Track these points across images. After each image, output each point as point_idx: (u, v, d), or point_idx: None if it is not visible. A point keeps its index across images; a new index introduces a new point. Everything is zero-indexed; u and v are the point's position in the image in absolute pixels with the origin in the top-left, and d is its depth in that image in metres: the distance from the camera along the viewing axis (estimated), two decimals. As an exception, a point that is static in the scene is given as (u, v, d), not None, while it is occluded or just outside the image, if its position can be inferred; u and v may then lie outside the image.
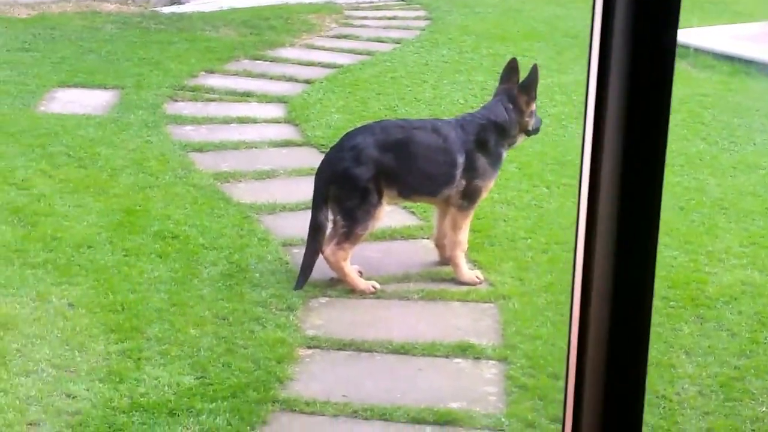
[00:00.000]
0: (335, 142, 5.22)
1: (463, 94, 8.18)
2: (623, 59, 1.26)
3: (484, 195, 5.15)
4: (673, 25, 1.24)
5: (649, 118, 1.28)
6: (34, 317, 4.41)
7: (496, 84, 8.17)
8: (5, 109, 7.24)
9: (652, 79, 1.26)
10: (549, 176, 6.42)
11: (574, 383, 1.35)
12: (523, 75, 5.17)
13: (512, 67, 5.19)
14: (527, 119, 5.15)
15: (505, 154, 5.17)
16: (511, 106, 5.10)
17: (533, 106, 5.17)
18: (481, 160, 5.01)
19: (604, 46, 1.26)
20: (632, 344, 1.33)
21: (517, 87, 5.13)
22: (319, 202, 4.92)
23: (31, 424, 3.69)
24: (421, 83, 8.45)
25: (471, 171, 4.98)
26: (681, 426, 3.87)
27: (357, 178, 4.85)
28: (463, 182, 4.97)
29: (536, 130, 5.25)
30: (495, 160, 5.07)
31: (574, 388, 1.35)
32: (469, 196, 5.01)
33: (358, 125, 6.11)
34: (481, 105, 7.78)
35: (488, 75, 8.67)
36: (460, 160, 4.96)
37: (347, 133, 5.17)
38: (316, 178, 5.01)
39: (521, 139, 5.25)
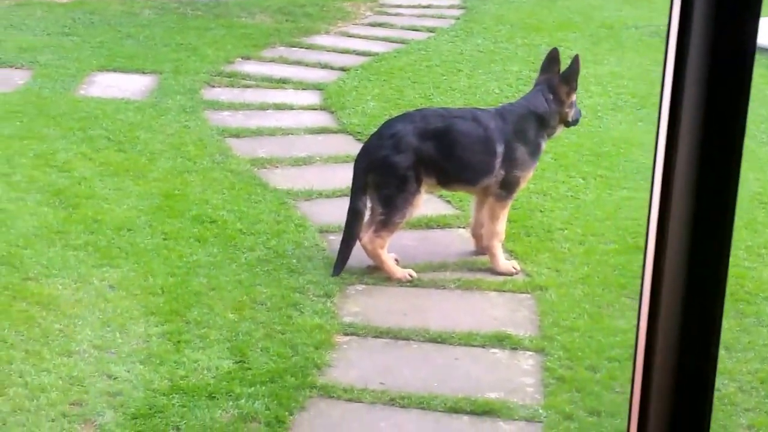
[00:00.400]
0: (374, 130, 5.21)
1: (498, 83, 8.13)
2: (701, 58, 1.23)
3: (523, 185, 5.13)
4: (753, 20, 1.21)
5: (726, 118, 1.25)
6: (75, 298, 4.43)
7: (531, 74, 8.39)
8: (46, 93, 7.27)
9: (730, 77, 1.24)
10: (585, 167, 6.37)
11: (641, 387, 1.32)
12: (556, 66, 5.13)
13: (553, 57, 5.15)
14: (567, 110, 5.11)
15: (545, 144, 5.14)
16: (551, 96, 5.07)
17: (573, 97, 5.14)
18: (521, 150, 4.98)
19: (681, 45, 1.23)
20: (702, 348, 1.31)
21: (558, 77, 5.10)
22: (357, 190, 4.91)
23: (73, 404, 3.71)
24: (455, 72, 8.41)
25: (510, 161, 4.96)
26: (722, 423, 3.83)
27: (396, 165, 4.84)
28: (502, 172, 4.95)
29: (575, 121, 5.22)
30: (534, 151, 5.04)
31: (640, 393, 1.32)
32: (508, 186, 4.99)
33: (394, 113, 6.13)
34: (520, 95, 7.78)
35: (523, 65, 8.65)
36: (500, 149, 4.94)
37: (387, 121, 5.16)
38: (355, 166, 5.00)
39: (560, 130, 5.22)
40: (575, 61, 5.10)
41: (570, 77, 5.09)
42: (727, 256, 1.31)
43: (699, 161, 1.26)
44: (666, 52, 1.26)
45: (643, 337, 1.33)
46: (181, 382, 3.87)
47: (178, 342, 4.14)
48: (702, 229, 1.28)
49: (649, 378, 1.31)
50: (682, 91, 1.26)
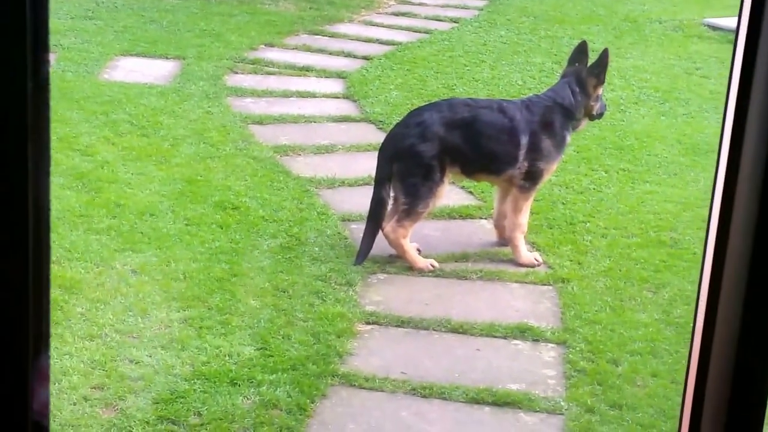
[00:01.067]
0: (397, 119, 5.20)
1: (522, 75, 8.11)
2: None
3: (547, 177, 5.10)
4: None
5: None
6: (98, 282, 4.43)
7: (554, 66, 8.37)
8: (69, 76, 7.27)
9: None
10: (607, 161, 6.35)
11: (694, 389, 1.28)
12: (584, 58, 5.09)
13: (582, 50, 5.12)
14: (593, 103, 5.08)
15: (569, 137, 5.11)
16: (578, 89, 5.04)
17: (600, 90, 5.10)
18: (546, 142, 4.95)
19: (750, 43, 1.18)
20: (761, 353, 1.26)
21: (586, 70, 5.06)
22: (382, 178, 4.89)
23: (95, 388, 3.71)
24: (479, 63, 8.39)
25: (534, 152, 4.93)
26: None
27: (422, 154, 4.82)
28: (526, 164, 4.92)
29: (600, 115, 5.19)
30: (559, 143, 5.01)
31: (693, 394, 1.28)
32: (532, 177, 4.96)
33: (417, 103, 6.13)
34: (542, 86, 7.74)
35: (546, 57, 8.63)
36: (524, 141, 4.91)
37: (413, 110, 5.14)
38: (379, 154, 4.98)
39: (585, 123, 5.19)
40: (604, 54, 5.07)
41: (598, 70, 5.05)
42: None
43: (765, 162, 1.20)
44: (734, 52, 1.21)
45: (699, 338, 1.28)
46: (203, 367, 3.86)
47: (200, 328, 4.13)
48: (765, 230, 1.22)
49: (704, 377, 1.26)
50: (748, 94, 1.20)
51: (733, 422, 1.26)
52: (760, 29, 1.16)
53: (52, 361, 3.82)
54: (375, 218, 4.86)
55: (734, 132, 1.20)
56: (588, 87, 5.04)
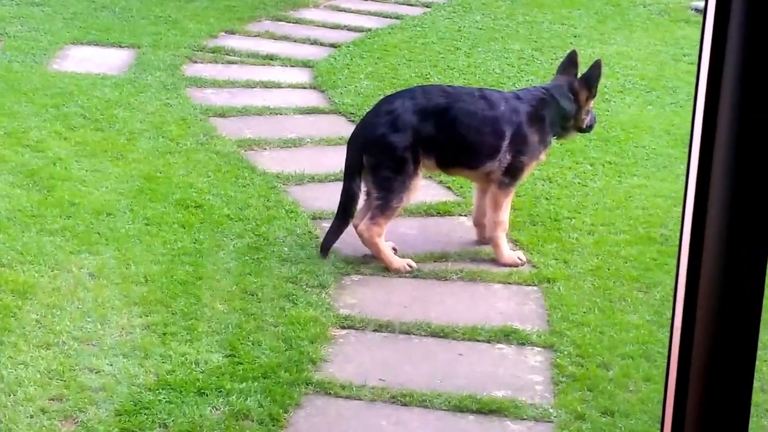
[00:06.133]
0: (371, 107, 5.16)
1: (499, 63, 8.11)
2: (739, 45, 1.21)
3: (527, 174, 5.12)
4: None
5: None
6: (53, 287, 4.41)
7: (533, 53, 8.40)
8: (16, 66, 7.24)
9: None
10: (593, 153, 6.37)
11: (675, 392, 1.31)
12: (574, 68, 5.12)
13: (572, 60, 5.14)
14: (583, 116, 5.11)
15: (552, 140, 5.12)
16: (572, 97, 5.05)
17: (591, 104, 5.13)
18: (531, 136, 4.95)
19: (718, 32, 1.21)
20: (739, 353, 1.29)
21: (578, 81, 5.07)
22: (351, 171, 4.88)
23: (53, 399, 3.69)
24: (454, 50, 8.39)
25: (519, 145, 4.92)
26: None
27: (394, 145, 4.81)
28: (509, 157, 4.91)
29: (590, 128, 5.23)
30: (544, 138, 5.02)
31: (674, 398, 1.31)
32: (512, 172, 4.95)
33: (389, 93, 6.08)
34: (521, 75, 7.71)
35: (525, 43, 8.62)
36: (508, 132, 4.91)
37: (385, 97, 5.13)
38: (348, 145, 4.97)
39: (572, 135, 5.24)
40: (596, 65, 5.08)
41: (591, 82, 5.06)
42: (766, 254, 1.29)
43: (737, 153, 1.23)
44: (702, 39, 1.24)
45: (678, 340, 1.31)
46: (168, 376, 3.85)
47: (164, 334, 4.12)
48: (740, 228, 1.26)
49: (685, 380, 1.29)
50: (719, 82, 1.23)
51: (716, 424, 1.29)
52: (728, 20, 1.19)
53: (6, 372, 3.80)
54: (344, 210, 4.87)
55: (705, 126, 1.23)
56: (580, 98, 5.06)
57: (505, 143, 4.91)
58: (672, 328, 1.35)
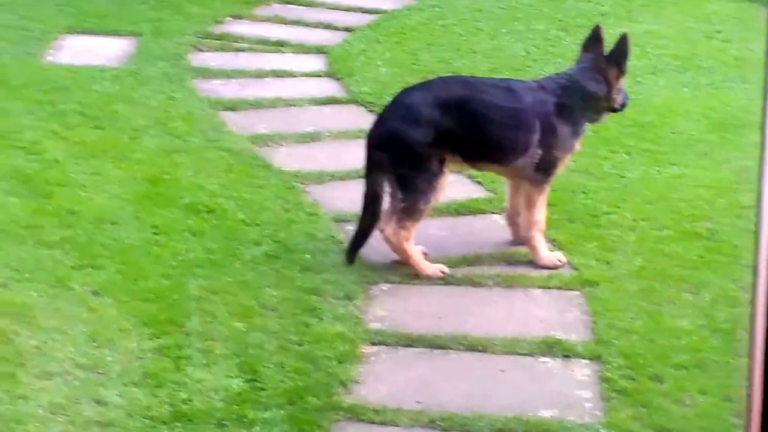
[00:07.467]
0: (389, 100, 5.07)
1: (524, 45, 8.08)
2: None
3: (561, 169, 5.02)
4: None
5: None
6: (53, 307, 4.31)
7: (559, 33, 8.30)
8: (6, 59, 7.17)
9: None
10: (628, 141, 6.31)
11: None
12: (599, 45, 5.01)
13: (596, 36, 5.03)
14: (614, 96, 5.01)
15: (585, 128, 5.03)
16: (600, 77, 4.96)
17: (622, 82, 5.03)
18: (562, 128, 4.86)
19: None
20: None
21: (605, 59, 4.97)
22: (371, 171, 4.82)
23: (56, 438, 3.59)
24: (476, 32, 8.35)
25: (549, 139, 4.83)
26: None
27: (414, 142, 4.72)
28: (539, 151, 4.83)
29: (623, 107, 5.13)
30: (577, 130, 4.92)
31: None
32: (545, 168, 4.87)
33: (410, 81, 6.16)
34: (547, 58, 7.61)
35: (549, 23, 8.62)
36: (538, 125, 4.82)
37: (404, 90, 5.06)
38: (367, 141, 4.90)
39: (605, 117, 5.14)
40: (623, 40, 5.00)
41: (619, 58, 4.98)
42: None
43: None
44: None
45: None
46: (184, 406, 3.74)
47: (178, 358, 4.03)
48: None
49: None
50: None
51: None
52: None
53: (3, 407, 3.66)
54: (368, 213, 4.79)
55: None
56: (609, 77, 4.96)
57: (535, 137, 4.81)
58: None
